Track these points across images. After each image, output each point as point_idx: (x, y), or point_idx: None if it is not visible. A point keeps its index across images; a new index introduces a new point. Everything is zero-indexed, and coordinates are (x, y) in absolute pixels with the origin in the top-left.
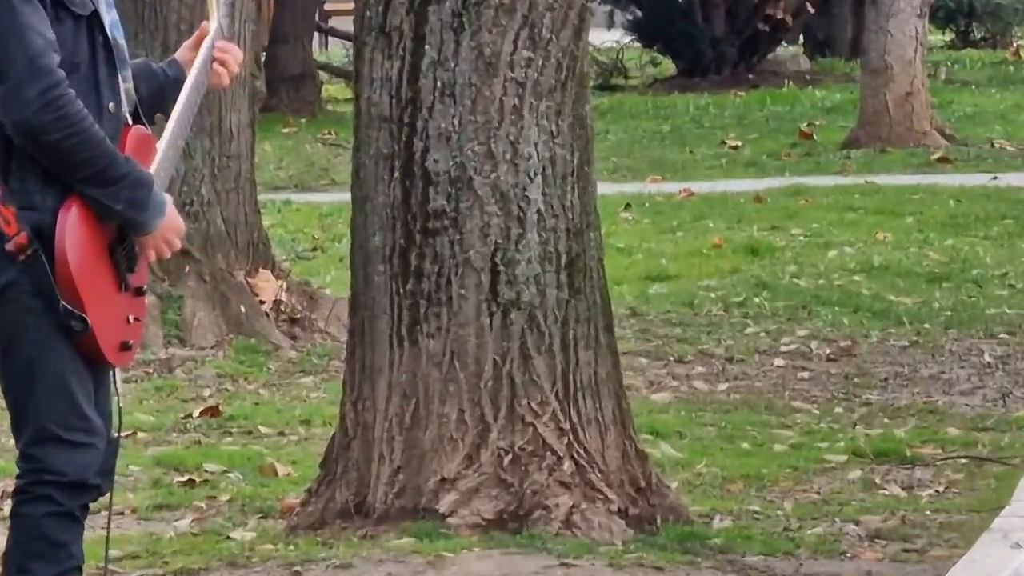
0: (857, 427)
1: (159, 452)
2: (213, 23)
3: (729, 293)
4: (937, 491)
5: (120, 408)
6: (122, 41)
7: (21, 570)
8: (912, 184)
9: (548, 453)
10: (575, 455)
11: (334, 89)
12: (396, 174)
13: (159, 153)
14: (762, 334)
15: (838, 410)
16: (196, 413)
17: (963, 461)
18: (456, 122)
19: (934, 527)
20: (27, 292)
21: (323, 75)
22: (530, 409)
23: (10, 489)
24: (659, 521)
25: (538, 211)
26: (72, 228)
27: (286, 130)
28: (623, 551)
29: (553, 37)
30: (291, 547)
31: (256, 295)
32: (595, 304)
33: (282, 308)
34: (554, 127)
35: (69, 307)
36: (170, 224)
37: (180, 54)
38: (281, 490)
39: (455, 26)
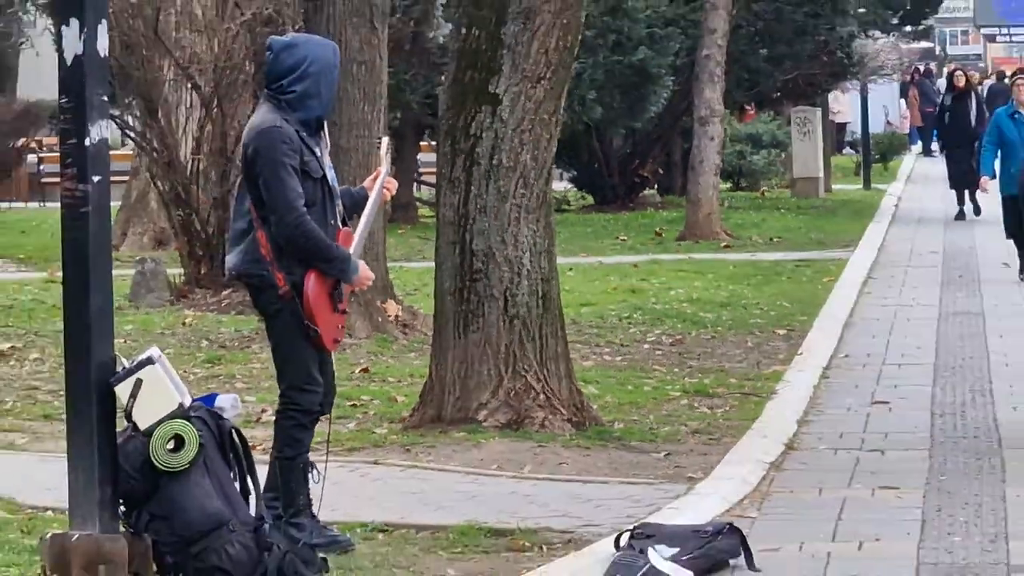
0: (685, 379)
1: (341, 390)
2: (384, 168)
3: (620, 312)
4: (726, 410)
5: (334, 372)
6: (335, 184)
7: (280, 452)
8: (712, 259)
9: (532, 391)
10: (545, 392)
11: (424, 210)
12: (456, 251)
13: (355, 239)
14: (637, 332)
15: (676, 370)
16: (357, 371)
17: (739, 395)
18: (487, 225)
19: (725, 428)
20: (289, 315)
21: (418, 203)
22: (523, 369)
23: (271, 409)
24: (587, 425)
25: (527, 270)
26: (311, 284)
27: (400, 231)
28: (569, 440)
29: (536, 182)
30: (405, 437)
31: (387, 312)
32: (555, 317)
33: (399, 319)
34: (536, 228)
35: (309, 323)
36: (361, 276)
37: (366, 183)
38: (400, 409)
39: (487, 176)
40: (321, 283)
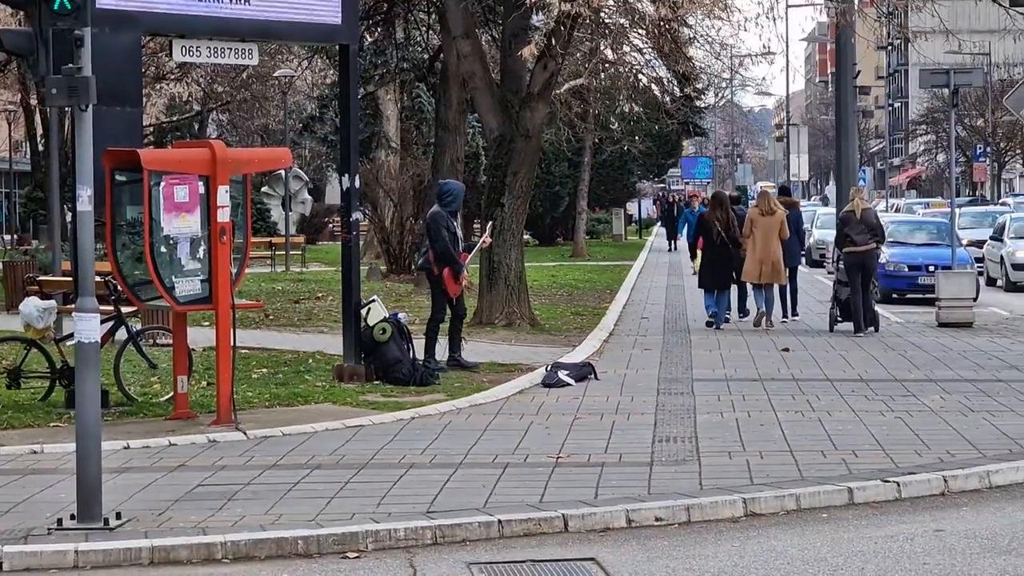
0: (572, 308)
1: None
2: (487, 234)
3: (548, 284)
4: (587, 319)
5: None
6: (459, 235)
7: (427, 335)
8: (583, 265)
9: (515, 312)
10: (519, 312)
11: None
12: (488, 260)
13: (468, 257)
14: (554, 292)
15: (569, 305)
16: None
17: (591, 314)
18: (500, 251)
19: (586, 326)
20: (438, 283)
21: None
22: (511, 307)
23: (417, 320)
24: (535, 325)
25: (514, 268)
26: (448, 275)
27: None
28: (528, 331)
29: (517, 235)
30: (467, 330)
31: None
32: (524, 286)
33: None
34: (517, 252)
35: (448, 292)
36: (466, 275)
37: (484, 238)
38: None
39: (500, 233)
40: (449, 274)
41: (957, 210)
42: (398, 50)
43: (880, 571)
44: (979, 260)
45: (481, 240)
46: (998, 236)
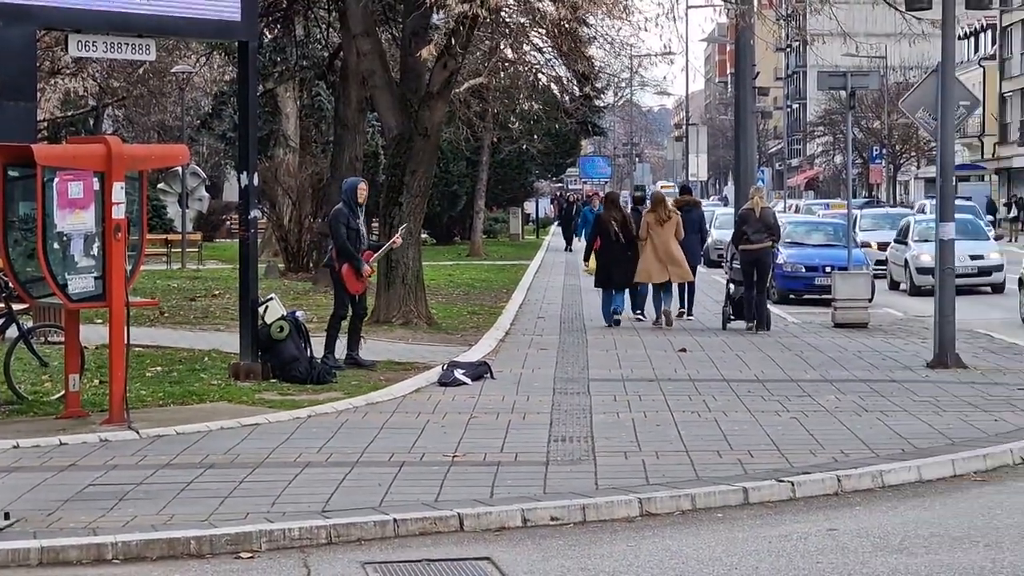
0: (469, 307)
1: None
2: (397, 234)
3: (445, 283)
4: (483, 317)
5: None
6: (363, 229)
7: (328, 332)
8: (480, 264)
9: (412, 310)
10: (416, 311)
11: None
12: (387, 259)
13: (374, 256)
14: (452, 290)
15: (465, 304)
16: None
17: (488, 313)
18: (399, 250)
19: (483, 325)
20: (338, 281)
21: None
22: (408, 305)
23: (316, 318)
24: (432, 324)
25: (411, 266)
26: (347, 272)
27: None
28: (425, 329)
29: (415, 234)
30: (367, 327)
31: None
32: (421, 284)
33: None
34: (415, 251)
35: (344, 283)
36: (365, 270)
37: (394, 238)
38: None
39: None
40: (350, 270)
41: (858, 212)
42: (298, 47)
43: (774, 570)
44: (881, 263)
45: (391, 241)
46: (902, 239)
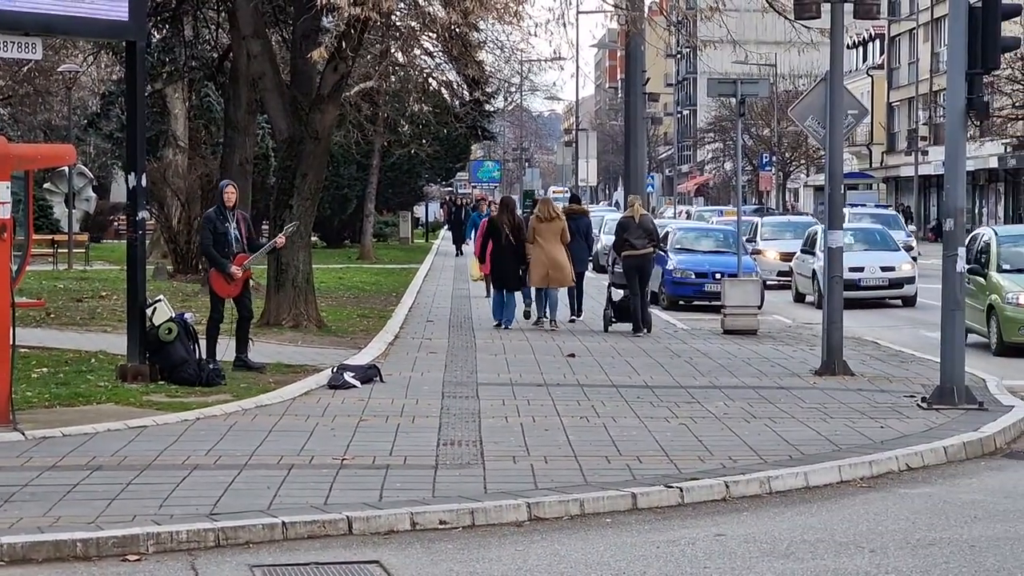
0: (359, 317)
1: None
2: (282, 235)
3: (335, 286)
4: (373, 320)
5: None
6: (235, 232)
7: (208, 335)
8: (370, 267)
9: (303, 313)
10: (307, 313)
11: None
12: (276, 262)
13: (249, 258)
14: (341, 293)
15: (357, 308)
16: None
17: (378, 316)
18: (288, 252)
19: (372, 328)
20: (210, 289)
21: None
22: (298, 308)
23: (203, 320)
24: (322, 327)
25: (301, 269)
26: (214, 275)
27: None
28: (315, 332)
29: (306, 237)
30: (256, 330)
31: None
32: (312, 287)
33: (258, 287)
34: (305, 254)
35: (215, 289)
36: (234, 273)
37: (278, 239)
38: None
39: (289, 235)
40: (217, 275)
41: (758, 219)
42: (187, 48)
43: (662, 575)
44: (785, 274)
45: (273, 240)
46: (809, 249)
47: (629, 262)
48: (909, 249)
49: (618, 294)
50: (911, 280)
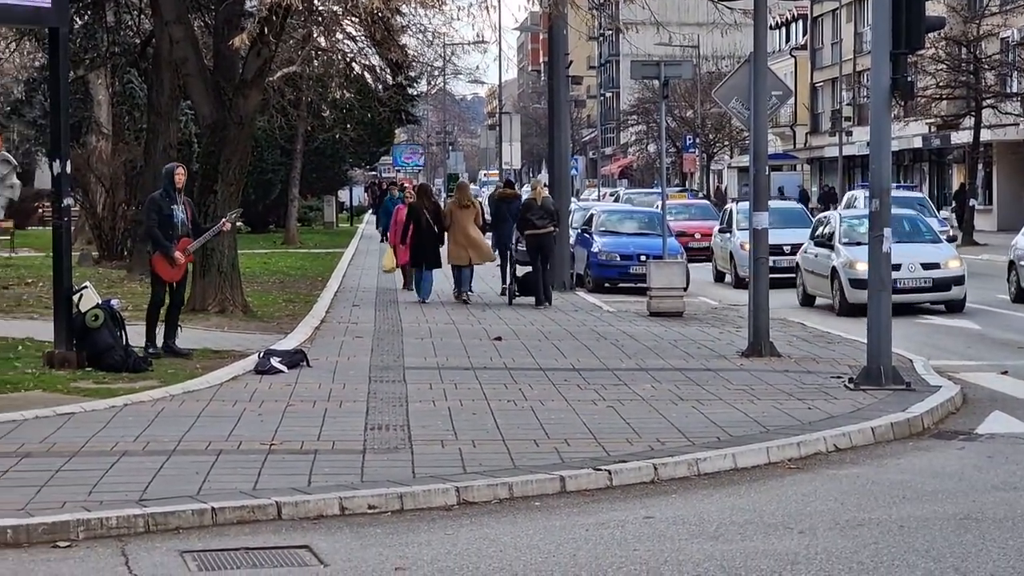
0: (284, 295)
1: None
2: (225, 220)
3: (260, 271)
4: (299, 305)
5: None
6: (181, 215)
7: (147, 319)
8: (295, 252)
9: (228, 298)
10: (232, 299)
11: None
12: (202, 248)
13: (193, 243)
14: (267, 278)
15: (280, 292)
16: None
17: (304, 301)
18: (213, 238)
19: (298, 313)
20: (152, 272)
21: None
22: (224, 293)
23: (130, 306)
24: (247, 313)
25: (227, 255)
26: (157, 259)
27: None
28: (241, 318)
29: (235, 215)
30: (184, 317)
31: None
32: (238, 272)
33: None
34: (230, 239)
35: (157, 273)
36: (177, 257)
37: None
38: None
39: (212, 221)
40: (160, 259)
41: (732, 205)
42: (109, 34)
43: (592, 557)
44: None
45: (219, 224)
46: (726, 228)
47: (531, 241)
48: (952, 240)
49: (523, 269)
50: (960, 281)
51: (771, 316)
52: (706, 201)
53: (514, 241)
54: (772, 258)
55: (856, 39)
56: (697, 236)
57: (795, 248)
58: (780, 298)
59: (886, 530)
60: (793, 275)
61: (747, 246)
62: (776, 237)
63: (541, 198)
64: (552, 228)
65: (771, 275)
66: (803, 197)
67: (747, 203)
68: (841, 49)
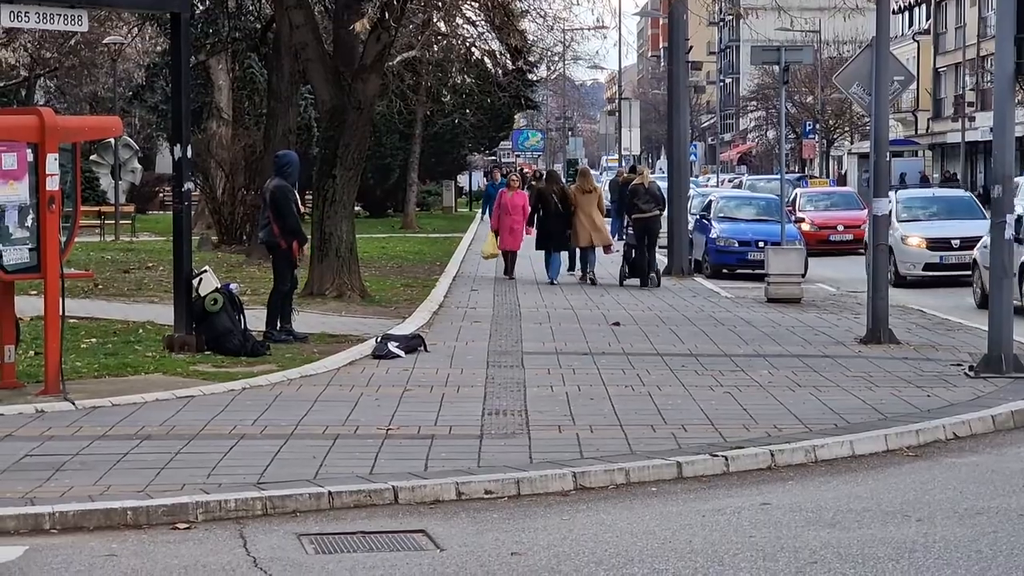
0: (403, 281)
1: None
2: None
3: (378, 255)
4: (417, 290)
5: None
6: (299, 201)
7: (269, 304)
8: (412, 237)
9: (346, 283)
10: (350, 284)
11: None
12: (319, 232)
13: None
14: (385, 263)
15: (400, 277)
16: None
17: (422, 286)
18: (332, 222)
19: (416, 298)
20: (283, 255)
21: None
22: (342, 278)
23: (249, 291)
24: (365, 297)
25: (344, 239)
26: (295, 247)
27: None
28: (359, 303)
29: (348, 206)
30: (300, 300)
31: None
32: (355, 257)
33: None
34: (348, 223)
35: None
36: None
37: None
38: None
39: (331, 204)
40: (296, 245)
41: (833, 188)
42: (230, 19)
43: (708, 544)
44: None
45: None
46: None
47: (638, 224)
48: None
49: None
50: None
51: (892, 304)
52: (851, 189)
53: (623, 225)
54: (938, 254)
55: (980, 23)
56: (840, 228)
57: (965, 242)
58: (950, 299)
59: (1005, 519)
60: (962, 272)
61: (910, 240)
62: (941, 229)
63: (647, 183)
64: (658, 212)
65: (936, 273)
66: (924, 183)
67: (906, 191)
68: (965, 33)
